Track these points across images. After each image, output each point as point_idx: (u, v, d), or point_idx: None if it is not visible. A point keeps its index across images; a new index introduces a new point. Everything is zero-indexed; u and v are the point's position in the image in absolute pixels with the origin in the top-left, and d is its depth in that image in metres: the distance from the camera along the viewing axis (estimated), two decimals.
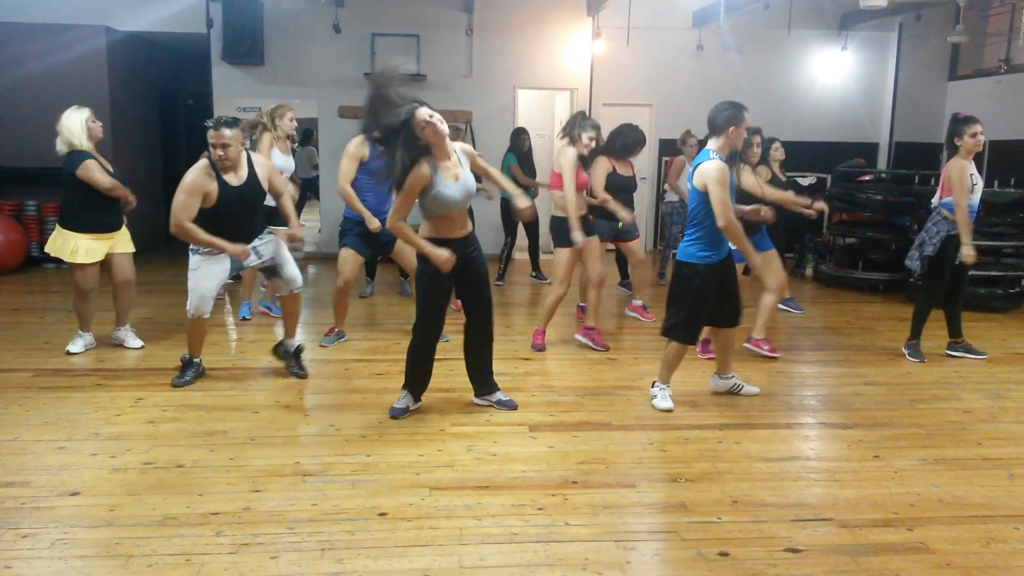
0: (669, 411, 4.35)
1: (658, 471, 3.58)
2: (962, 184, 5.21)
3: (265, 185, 4.62)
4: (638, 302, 6.71)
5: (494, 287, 7.87)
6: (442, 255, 3.85)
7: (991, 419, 4.38)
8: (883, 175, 9.17)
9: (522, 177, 7.80)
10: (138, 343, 5.45)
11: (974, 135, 5.26)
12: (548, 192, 5.76)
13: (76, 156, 5.02)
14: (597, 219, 5.87)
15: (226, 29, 9.19)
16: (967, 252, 5.22)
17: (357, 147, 5.36)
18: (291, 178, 6.41)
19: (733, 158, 4.27)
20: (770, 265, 5.36)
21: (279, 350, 4.95)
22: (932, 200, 5.56)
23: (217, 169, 4.39)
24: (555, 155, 5.83)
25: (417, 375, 4.20)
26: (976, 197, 5.32)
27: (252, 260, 4.66)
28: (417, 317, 4.09)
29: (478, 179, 4.22)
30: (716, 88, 10.30)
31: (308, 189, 11.27)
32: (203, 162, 4.43)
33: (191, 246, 4.51)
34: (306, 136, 11.27)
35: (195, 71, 10.11)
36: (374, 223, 5.33)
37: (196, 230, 4.37)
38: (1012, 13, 9.16)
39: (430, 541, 2.90)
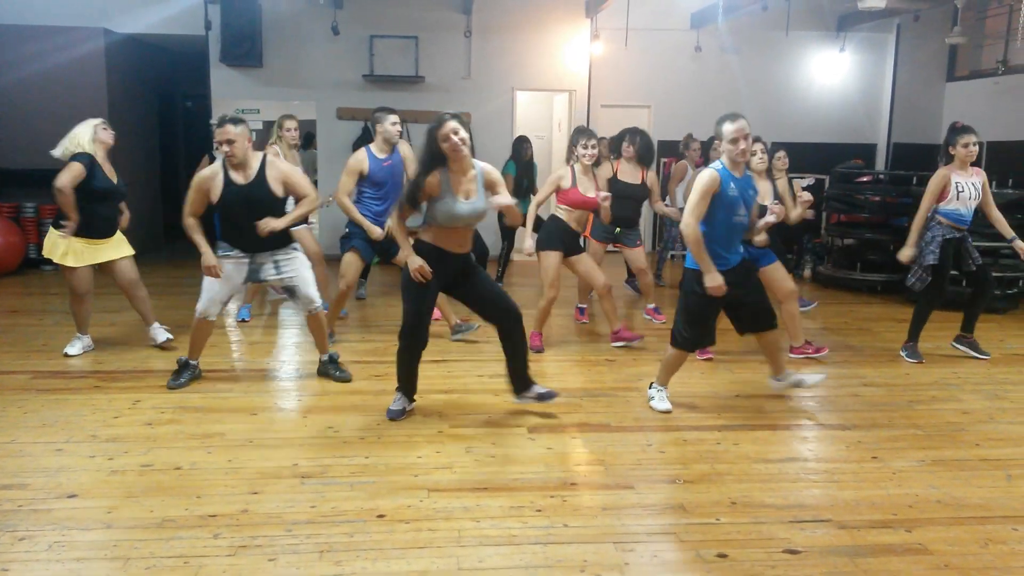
0: (667, 412, 4.34)
1: (657, 472, 3.58)
2: (931, 192, 5.41)
3: (276, 188, 4.49)
4: (651, 305, 6.72)
5: None
6: (414, 263, 3.89)
7: (989, 420, 4.38)
8: (881, 176, 9.19)
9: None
10: (163, 336, 5.45)
11: (966, 145, 5.30)
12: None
13: (71, 158, 5.02)
14: (596, 223, 5.88)
15: (224, 31, 9.19)
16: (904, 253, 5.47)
17: (357, 162, 5.41)
18: None
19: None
20: (775, 276, 5.34)
21: (319, 369, 4.93)
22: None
23: (226, 167, 4.43)
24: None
25: (402, 375, 4.19)
26: (962, 205, 5.35)
27: (271, 274, 4.61)
28: (402, 322, 4.08)
29: None
30: (714, 90, 10.37)
31: None
32: (218, 160, 4.51)
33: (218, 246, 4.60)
34: (307, 140, 11.28)
35: (193, 73, 10.11)
36: (375, 232, 5.37)
37: (191, 228, 4.46)
38: (1010, 14, 9.17)
39: (428, 543, 2.90)
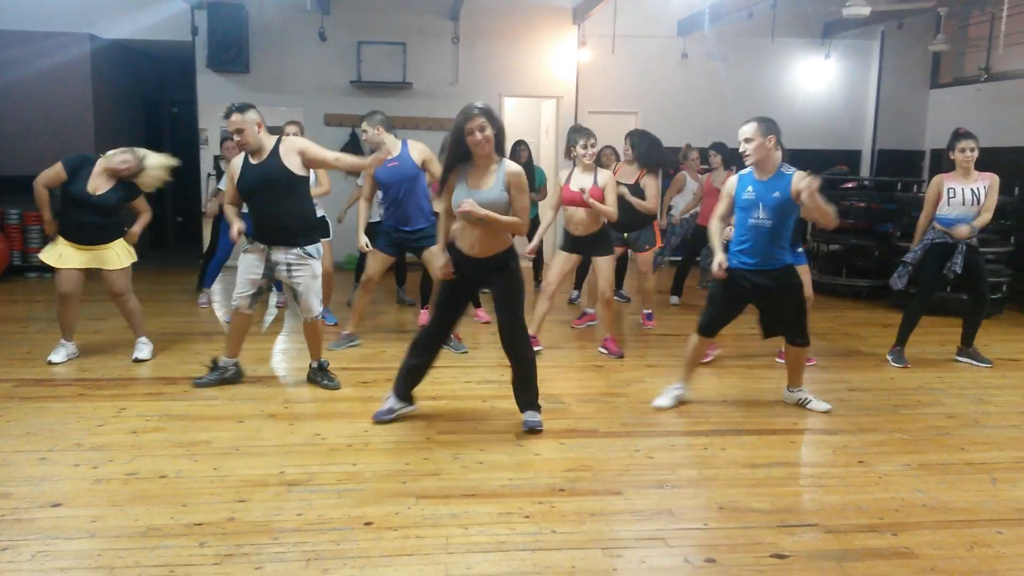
0: (659, 409, 4.46)
1: (645, 478, 3.59)
2: (928, 198, 5.52)
3: (291, 163, 4.46)
4: (646, 311, 6.73)
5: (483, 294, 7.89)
6: (438, 260, 4.02)
7: (974, 424, 4.41)
8: (866, 182, 9.25)
9: None
10: (141, 354, 5.33)
11: (963, 150, 5.36)
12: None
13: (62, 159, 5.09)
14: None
15: (211, 37, 9.14)
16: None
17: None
18: None
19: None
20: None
21: (309, 376, 4.92)
22: None
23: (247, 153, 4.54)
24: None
25: (400, 368, 4.21)
26: (954, 210, 5.40)
27: (283, 274, 4.61)
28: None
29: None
30: (701, 96, 10.43)
31: None
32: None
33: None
34: None
35: (180, 79, 10.07)
36: (359, 242, 5.64)
37: (227, 208, 4.69)
38: (991, 22, 9.27)
39: (416, 550, 2.89)
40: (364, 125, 5.44)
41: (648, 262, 6.49)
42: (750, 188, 4.23)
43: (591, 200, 5.30)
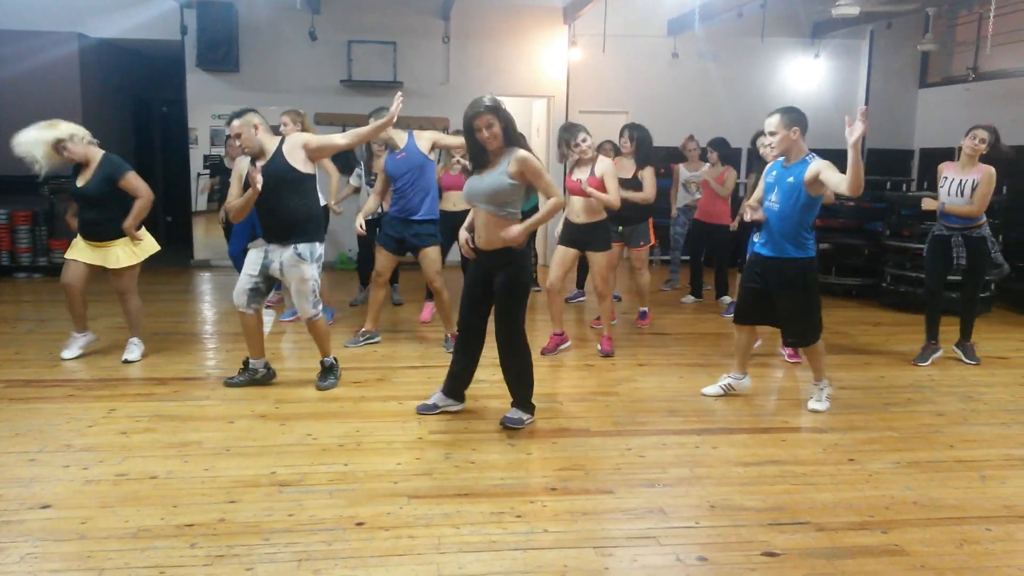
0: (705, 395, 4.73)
1: (636, 477, 3.59)
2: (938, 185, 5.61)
3: (294, 159, 4.47)
4: (642, 308, 6.74)
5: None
6: (460, 237, 4.16)
7: (963, 422, 4.44)
8: None
9: None
10: (131, 355, 5.30)
11: (972, 137, 5.39)
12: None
13: None
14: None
15: (200, 36, 9.11)
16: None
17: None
18: None
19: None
20: None
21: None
22: None
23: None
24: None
25: (448, 371, 4.33)
26: (947, 199, 5.44)
27: (276, 272, 4.61)
28: None
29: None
30: (692, 95, 10.45)
31: None
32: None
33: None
34: None
35: (170, 78, 10.03)
36: (357, 221, 5.66)
37: (229, 199, 4.72)
38: (979, 22, 9.32)
39: (408, 550, 2.89)
40: (372, 121, 5.46)
41: (642, 258, 6.50)
42: (774, 172, 4.40)
43: (589, 189, 5.33)
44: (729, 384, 4.78)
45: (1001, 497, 3.46)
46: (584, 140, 5.44)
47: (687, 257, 8.24)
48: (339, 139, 4.65)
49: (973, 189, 5.34)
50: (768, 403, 4.77)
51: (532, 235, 7.89)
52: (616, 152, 6.82)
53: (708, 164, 7.73)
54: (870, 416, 4.49)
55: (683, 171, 8.27)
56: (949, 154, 9.39)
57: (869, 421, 4.40)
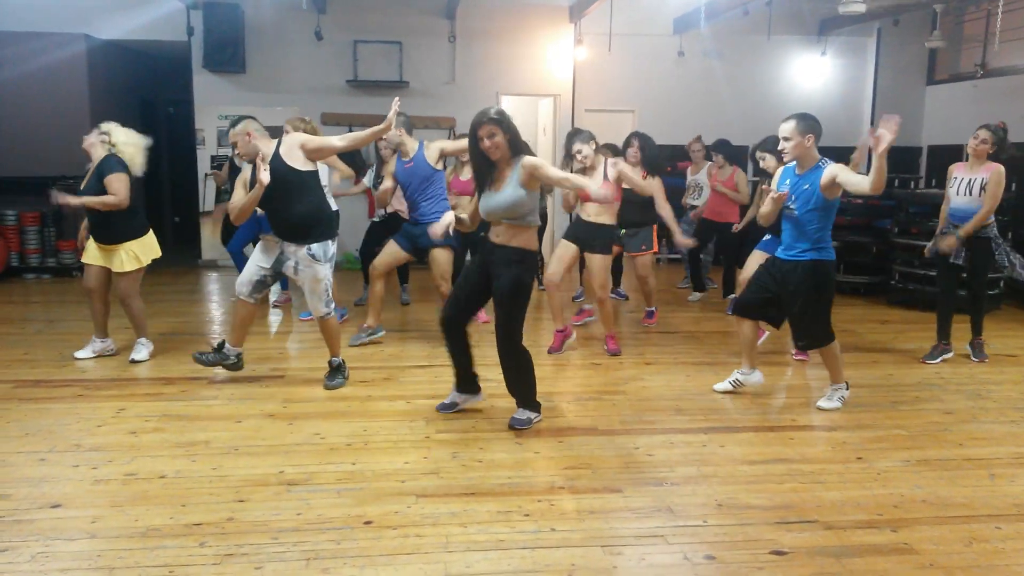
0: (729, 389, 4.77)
1: (644, 476, 3.59)
2: (947, 186, 5.61)
3: (292, 159, 4.49)
4: (649, 308, 6.73)
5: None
6: (455, 215, 4.13)
7: (972, 420, 4.42)
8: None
9: None
10: (139, 355, 5.32)
11: (974, 138, 5.44)
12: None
13: None
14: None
15: (207, 37, 9.13)
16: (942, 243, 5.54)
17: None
18: None
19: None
20: None
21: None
22: None
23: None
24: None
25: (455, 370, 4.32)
26: (956, 202, 5.46)
27: (290, 271, 4.67)
28: None
29: None
30: (697, 94, 10.43)
31: None
32: None
33: None
34: None
35: (176, 79, 10.05)
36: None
37: (234, 200, 4.72)
38: (987, 19, 9.28)
39: (416, 549, 2.89)
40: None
41: (647, 265, 6.49)
42: (788, 181, 4.39)
43: (597, 196, 5.33)
44: (737, 379, 4.78)
45: (1011, 495, 3.44)
46: (579, 151, 5.42)
47: (676, 255, 8.25)
48: (336, 142, 4.66)
49: (982, 188, 5.32)
50: (776, 401, 4.76)
51: (541, 229, 7.92)
52: (616, 154, 6.76)
53: (713, 165, 7.70)
54: (878, 414, 4.48)
55: (688, 174, 8.26)
56: (957, 151, 9.37)
57: (877, 419, 4.39)
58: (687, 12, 9.84)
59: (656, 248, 6.63)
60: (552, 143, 10.26)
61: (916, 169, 10.57)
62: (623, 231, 6.21)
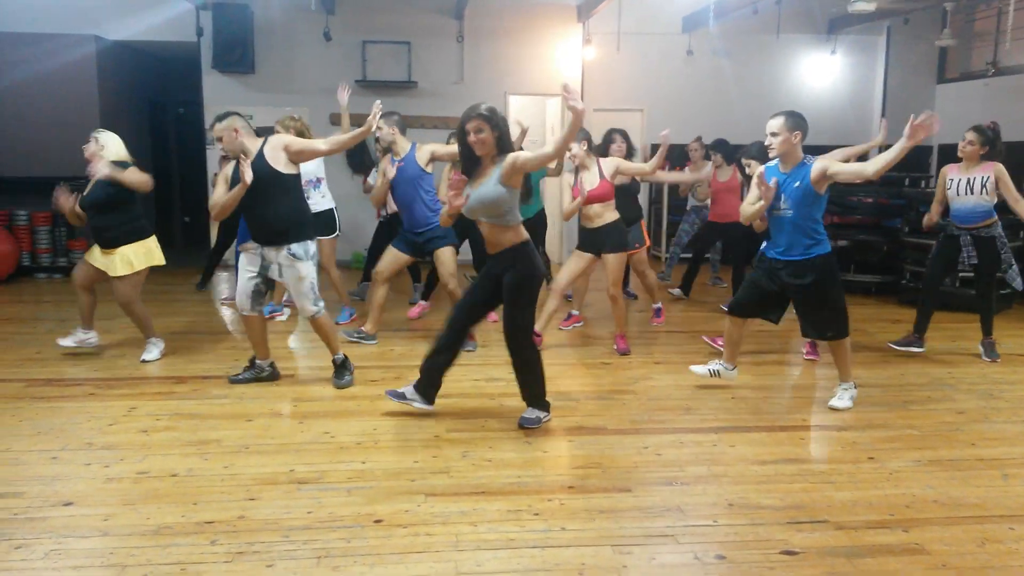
0: (705, 375, 4.77)
1: (654, 475, 3.58)
2: (937, 187, 5.68)
3: (275, 160, 4.50)
4: (655, 305, 6.71)
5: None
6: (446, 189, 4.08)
7: (984, 420, 4.40)
8: (873, 179, 9.19)
9: None
10: (149, 355, 5.34)
11: (963, 139, 5.46)
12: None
13: None
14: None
15: (216, 37, 9.17)
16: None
17: (384, 163, 5.73)
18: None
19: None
20: None
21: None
22: None
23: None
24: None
25: (423, 364, 4.26)
26: (957, 203, 5.44)
27: (275, 274, 4.66)
28: None
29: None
30: (706, 93, 10.41)
31: None
32: None
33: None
34: None
35: (186, 80, 10.10)
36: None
37: (215, 198, 4.68)
38: (998, 17, 9.23)
39: (426, 548, 2.89)
40: (380, 123, 5.47)
41: (643, 260, 6.48)
42: (774, 179, 4.33)
43: (587, 194, 5.35)
44: (718, 370, 4.79)
45: None
46: (569, 149, 5.37)
47: (686, 255, 8.21)
48: (321, 145, 4.70)
49: (983, 186, 5.34)
50: (786, 401, 4.74)
51: (541, 232, 7.88)
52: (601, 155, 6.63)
53: (713, 166, 7.68)
54: (889, 414, 4.46)
55: (688, 175, 8.22)
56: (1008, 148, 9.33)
57: (888, 419, 4.37)
58: (696, 11, 9.83)
59: (648, 243, 6.62)
60: None
61: (926, 168, 10.51)
62: None
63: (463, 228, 5.59)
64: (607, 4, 8.97)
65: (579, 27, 10.01)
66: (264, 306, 4.83)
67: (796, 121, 4.24)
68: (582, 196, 5.32)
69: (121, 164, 5.14)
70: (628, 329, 5.92)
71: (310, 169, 6.22)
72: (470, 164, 3.98)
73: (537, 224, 7.83)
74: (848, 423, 4.30)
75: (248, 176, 4.37)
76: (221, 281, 8.48)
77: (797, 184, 4.24)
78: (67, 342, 5.40)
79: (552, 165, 5.87)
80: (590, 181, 5.42)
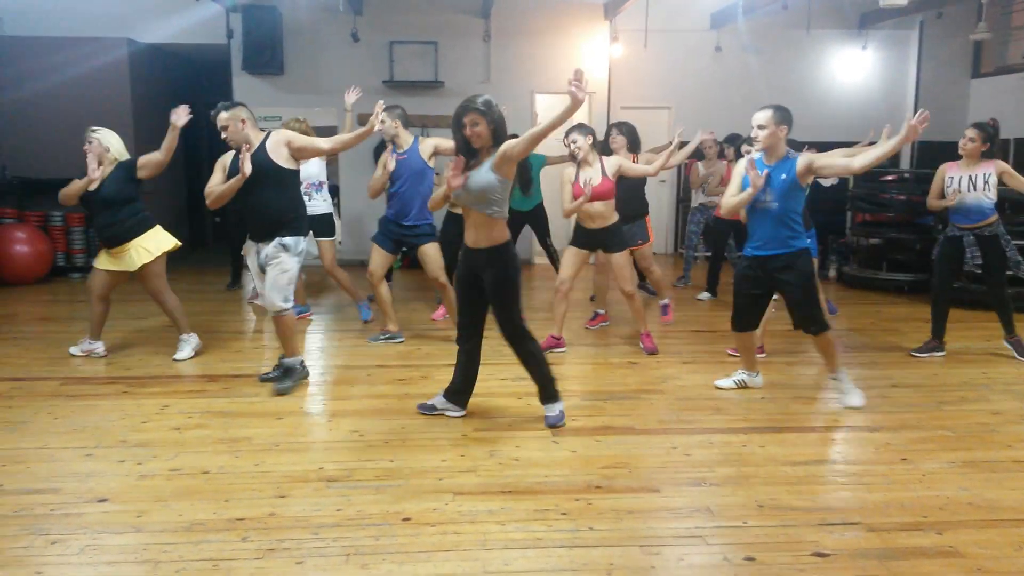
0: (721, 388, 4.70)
1: (682, 475, 3.56)
2: (932, 184, 5.58)
3: (276, 155, 4.52)
4: (662, 301, 6.64)
5: None
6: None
7: (1021, 421, 4.31)
8: (906, 175, 9.08)
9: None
10: (181, 354, 5.38)
11: (963, 137, 5.39)
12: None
13: None
14: None
15: (246, 39, 9.28)
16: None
17: (384, 155, 5.67)
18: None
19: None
20: None
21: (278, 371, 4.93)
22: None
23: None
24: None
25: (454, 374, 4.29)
26: (966, 198, 5.33)
27: (264, 263, 4.65)
28: None
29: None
30: (735, 89, 10.31)
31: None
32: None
33: None
34: None
35: (216, 81, 10.21)
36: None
37: (211, 185, 4.68)
38: None
39: (454, 546, 2.90)
40: (383, 116, 5.50)
41: (647, 256, 6.42)
42: (766, 171, 4.29)
43: (591, 192, 5.29)
44: (743, 379, 4.77)
45: None
46: (574, 141, 5.38)
47: (706, 254, 8.14)
48: (323, 144, 4.73)
49: (986, 183, 5.27)
50: (817, 401, 4.69)
51: (543, 224, 7.80)
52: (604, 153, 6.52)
53: (726, 161, 7.62)
54: (923, 414, 4.39)
55: (701, 169, 8.14)
56: (1003, 146, 9.14)
57: (922, 420, 4.30)
58: (724, 7, 9.75)
59: (652, 238, 6.54)
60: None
61: None
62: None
63: (460, 232, 5.58)
64: (634, 1, 8.93)
65: (606, 25, 9.97)
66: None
67: (783, 115, 4.26)
68: (586, 194, 5.25)
69: (125, 161, 5.24)
70: (652, 328, 5.87)
71: (313, 172, 6.30)
72: (467, 156, 3.96)
73: (538, 217, 7.85)
74: (880, 424, 4.23)
75: (247, 167, 4.39)
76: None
77: (783, 176, 4.25)
78: (75, 350, 5.48)
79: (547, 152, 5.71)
80: (593, 178, 5.35)
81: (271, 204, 4.56)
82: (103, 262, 5.33)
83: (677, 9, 9.98)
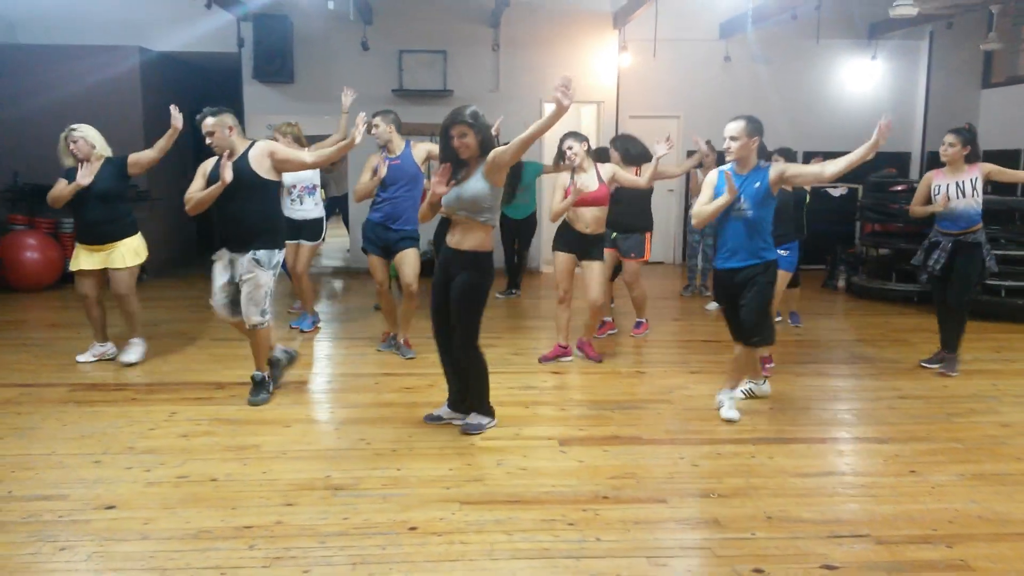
0: (731, 421, 4.37)
1: (690, 486, 3.55)
2: (917, 192, 5.57)
3: (258, 165, 4.49)
4: (610, 319, 6.58)
5: (510, 298, 7.89)
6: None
7: None
8: (915, 185, 9.02)
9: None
10: (130, 357, 5.40)
11: (942, 143, 5.37)
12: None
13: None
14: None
15: (257, 48, 9.34)
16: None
17: (371, 160, 5.66)
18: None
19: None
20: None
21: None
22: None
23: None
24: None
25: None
26: (957, 205, 5.27)
27: (236, 273, 4.56)
28: None
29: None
30: (744, 99, 10.28)
31: (336, 206, 11.42)
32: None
33: None
34: None
35: (227, 90, 10.26)
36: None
37: (190, 191, 4.60)
38: None
39: (461, 556, 2.90)
40: (377, 120, 5.52)
41: (634, 272, 6.29)
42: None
43: (577, 196, 5.27)
44: (750, 388, 4.76)
45: None
46: (570, 147, 5.37)
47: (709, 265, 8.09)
48: (306, 157, 4.74)
49: (973, 188, 5.24)
50: (826, 413, 4.67)
51: (528, 234, 7.77)
52: (622, 150, 6.43)
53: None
54: (932, 426, 4.36)
55: (700, 176, 8.11)
56: (1015, 156, 9.11)
57: (931, 432, 4.28)
58: (733, 16, 9.75)
59: (647, 257, 6.45)
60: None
61: None
62: (615, 234, 6.12)
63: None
64: (643, 11, 8.94)
65: (615, 34, 10.00)
66: (237, 314, 4.66)
67: (756, 126, 4.29)
68: (573, 196, 5.24)
69: (114, 158, 5.30)
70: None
71: (307, 176, 6.32)
72: (454, 167, 3.98)
73: (529, 225, 7.87)
74: (889, 435, 4.21)
75: (228, 175, 4.38)
76: None
77: (757, 184, 4.26)
78: (85, 357, 5.50)
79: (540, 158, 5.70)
80: (587, 184, 5.34)
81: (248, 214, 4.51)
82: (85, 261, 5.31)
83: (686, 19, 9.99)
